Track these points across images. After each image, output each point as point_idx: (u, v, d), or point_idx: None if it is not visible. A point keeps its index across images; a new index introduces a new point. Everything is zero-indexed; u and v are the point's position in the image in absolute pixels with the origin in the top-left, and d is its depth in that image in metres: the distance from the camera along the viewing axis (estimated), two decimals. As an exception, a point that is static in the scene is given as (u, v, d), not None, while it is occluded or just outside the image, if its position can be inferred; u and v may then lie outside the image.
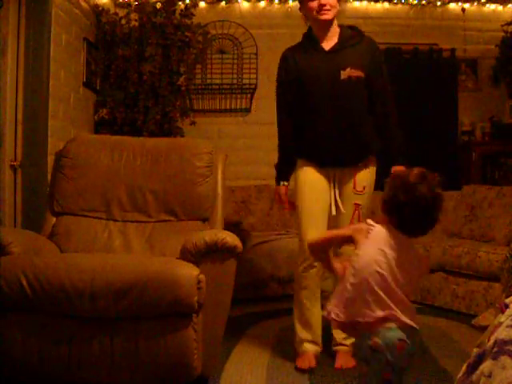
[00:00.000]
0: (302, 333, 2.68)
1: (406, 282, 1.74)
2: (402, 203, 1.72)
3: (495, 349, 1.29)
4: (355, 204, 2.63)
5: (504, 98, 5.20)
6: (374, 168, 2.71)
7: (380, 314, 1.68)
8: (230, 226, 3.80)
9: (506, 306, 1.47)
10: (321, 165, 2.66)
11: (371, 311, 1.69)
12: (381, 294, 1.69)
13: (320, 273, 2.66)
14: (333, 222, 2.68)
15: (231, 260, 2.30)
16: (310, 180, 2.67)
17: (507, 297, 1.68)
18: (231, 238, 2.28)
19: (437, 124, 5.10)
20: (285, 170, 2.79)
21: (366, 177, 2.67)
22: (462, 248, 3.74)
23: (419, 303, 3.95)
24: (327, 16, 2.56)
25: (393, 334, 1.66)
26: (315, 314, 2.67)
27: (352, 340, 2.59)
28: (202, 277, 2.15)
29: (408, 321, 1.69)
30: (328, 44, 2.63)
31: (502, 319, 1.39)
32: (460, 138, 5.18)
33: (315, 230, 2.58)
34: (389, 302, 1.69)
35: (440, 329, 3.31)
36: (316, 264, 2.60)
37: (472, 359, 1.40)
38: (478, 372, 1.33)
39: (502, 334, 1.32)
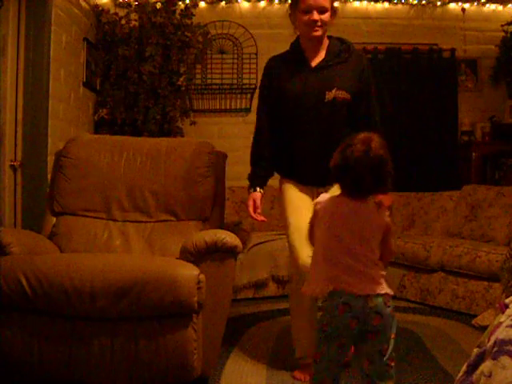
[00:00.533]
0: (299, 348, 2.55)
1: (362, 246, 1.78)
2: (337, 166, 1.79)
3: (495, 349, 1.29)
4: None
5: (504, 98, 5.20)
6: None
7: (330, 288, 1.78)
8: (230, 225, 3.80)
9: (506, 306, 1.47)
10: (302, 183, 2.58)
11: (322, 285, 1.81)
12: (326, 266, 1.80)
13: None
14: None
15: (231, 260, 2.30)
16: (295, 198, 2.57)
17: (507, 297, 1.68)
18: (231, 238, 2.28)
19: (437, 124, 5.11)
20: (261, 176, 2.63)
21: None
22: (462, 248, 3.74)
23: (419, 303, 3.96)
24: (317, 33, 2.43)
25: (337, 298, 1.76)
26: (311, 331, 2.49)
27: None
28: (202, 277, 2.15)
29: (355, 290, 1.75)
30: (315, 59, 2.50)
31: (502, 319, 1.39)
32: (460, 137, 5.18)
33: (308, 249, 2.37)
34: (336, 271, 1.78)
35: (440, 329, 3.31)
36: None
37: (472, 359, 1.40)
38: (477, 372, 1.33)
39: (501, 333, 1.32)
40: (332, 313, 1.76)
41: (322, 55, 2.51)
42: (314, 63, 2.50)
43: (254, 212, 2.61)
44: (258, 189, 2.61)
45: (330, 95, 2.44)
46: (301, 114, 2.49)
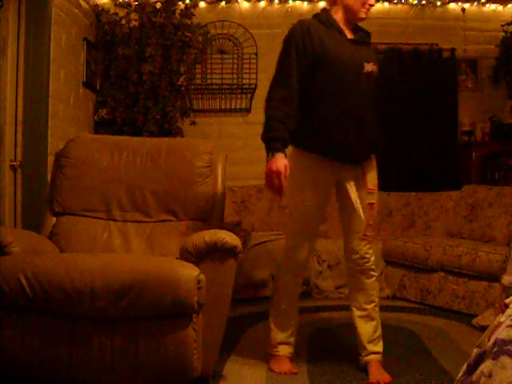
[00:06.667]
0: (277, 335, 2.63)
1: None
2: None
3: (495, 349, 1.29)
4: (369, 203, 2.51)
5: (504, 98, 5.20)
6: (375, 166, 2.60)
7: None
8: (229, 225, 3.80)
9: (506, 306, 1.47)
10: (332, 158, 2.44)
11: None
12: None
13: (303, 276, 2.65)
14: (348, 224, 2.55)
15: (231, 260, 2.30)
16: (315, 184, 2.48)
17: (507, 297, 1.68)
18: (231, 238, 2.27)
19: (437, 124, 5.11)
20: (284, 137, 2.35)
21: (373, 175, 2.56)
22: (462, 248, 3.74)
23: (419, 303, 3.96)
24: (365, 17, 2.49)
25: None
26: (294, 319, 2.66)
27: (381, 345, 2.56)
28: (202, 277, 2.15)
29: None
30: (347, 34, 2.50)
31: (502, 319, 1.39)
32: (460, 138, 5.19)
33: (311, 242, 2.55)
34: None
35: (440, 329, 3.31)
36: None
37: (472, 359, 1.39)
38: (477, 372, 1.33)
39: (502, 333, 1.32)
40: None
41: (350, 34, 2.51)
42: (349, 36, 2.50)
43: (278, 183, 2.32)
44: (280, 154, 2.32)
45: (368, 67, 2.45)
46: (341, 83, 2.42)
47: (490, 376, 1.26)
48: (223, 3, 5.09)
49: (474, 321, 3.35)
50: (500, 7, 5.27)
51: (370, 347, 2.55)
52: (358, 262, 2.57)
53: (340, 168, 2.49)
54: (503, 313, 1.45)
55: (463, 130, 5.18)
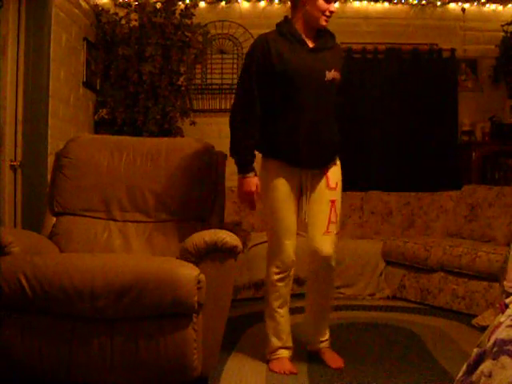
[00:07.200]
0: (276, 342, 2.65)
1: None
2: None
3: (495, 349, 1.29)
4: (331, 201, 2.58)
5: (504, 98, 5.20)
6: (339, 164, 2.67)
7: None
8: (230, 225, 3.80)
9: (506, 306, 1.47)
10: (296, 166, 2.57)
11: None
12: None
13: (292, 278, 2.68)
14: (310, 221, 2.61)
15: (231, 260, 2.30)
16: (283, 184, 2.57)
17: (507, 297, 1.68)
18: (231, 238, 2.27)
19: (437, 124, 5.11)
20: (252, 158, 2.57)
21: (337, 173, 2.63)
22: (462, 248, 3.74)
23: (419, 303, 3.96)
24: (326, 24, 2.51)
25: None
26: (288, 321, 2.69)
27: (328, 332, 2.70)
28: (202, 277, 2.15)
29: None
30: (309, 42, 2.54)
31: (502, 319, 1.40)
32: (460, 138, 5.19)
33: (291, 240, 2.58)
34: None
35: (440, 329, 3.31)
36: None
37: (472, 359, 1.40)
38: (477, 372, 1.33)
39: (501, 333, 1.32)
40: None
41: (312, 40, 2.55)
42: (310, 45, 2.54)
43: (250, 199, 2.57)
44: (251, 173, 2.56)
45: (329, 75, 2.50)
46: (303, 93, 2.49)
47: (489, 376, 1.26)
48: (223, 3, 5.09)
49: (474, 321, 3.35)
50: (500, 7, 5.28)
51: (319, 338, 2.71)
52: (315, 257, 2.59)
53: (305, 172, 2.59)
54: (503, 313, 1.45)
55: (463, 130, 5.19)
